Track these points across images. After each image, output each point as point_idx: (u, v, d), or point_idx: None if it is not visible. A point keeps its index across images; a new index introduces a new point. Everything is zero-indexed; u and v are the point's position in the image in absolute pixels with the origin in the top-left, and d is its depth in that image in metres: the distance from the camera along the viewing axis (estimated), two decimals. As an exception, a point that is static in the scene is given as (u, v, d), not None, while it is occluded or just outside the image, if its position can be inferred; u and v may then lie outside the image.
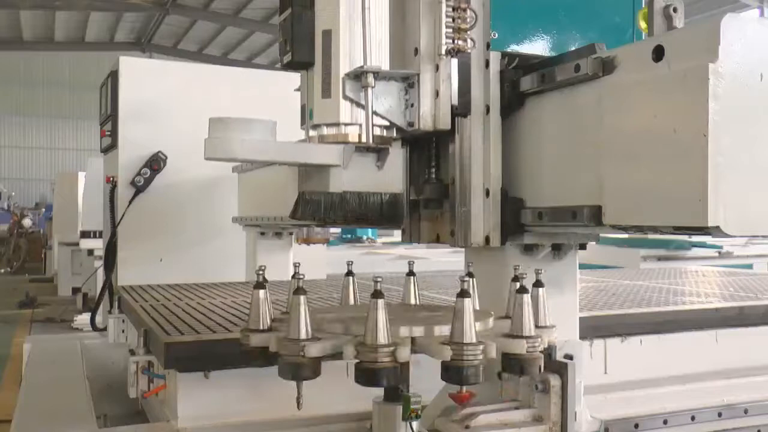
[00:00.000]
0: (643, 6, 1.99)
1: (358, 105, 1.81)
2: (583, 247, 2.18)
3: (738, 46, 1.44)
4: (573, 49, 1.99)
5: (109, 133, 5.08)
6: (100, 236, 6.80)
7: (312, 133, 1.87)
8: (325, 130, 1.85)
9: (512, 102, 1.98)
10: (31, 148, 34.09)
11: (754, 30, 1.46)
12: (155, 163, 4.95)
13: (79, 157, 31.85)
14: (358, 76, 1.80)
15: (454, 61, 1.91)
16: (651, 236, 8.32)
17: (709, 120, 1.41)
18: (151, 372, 2.72)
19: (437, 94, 1.90)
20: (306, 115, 1.90)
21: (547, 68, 1.88)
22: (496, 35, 1.95)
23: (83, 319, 9.33)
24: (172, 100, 5.06)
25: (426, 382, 1.96)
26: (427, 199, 2.09)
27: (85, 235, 10.50)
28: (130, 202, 4.91)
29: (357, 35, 1.79)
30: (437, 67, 1.89)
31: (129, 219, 4.90)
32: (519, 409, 2.01)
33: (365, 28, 1.77)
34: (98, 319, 4.87)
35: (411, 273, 2.19)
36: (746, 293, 3.72)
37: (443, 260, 7.79)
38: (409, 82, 1.88)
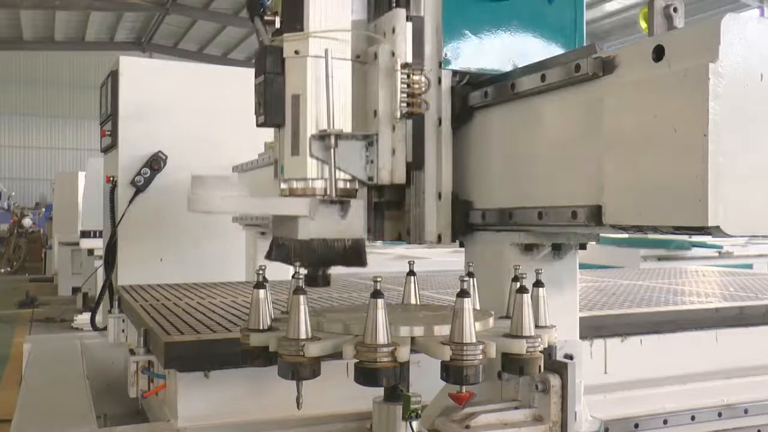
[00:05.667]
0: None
1: (324, 162, 2.00)
2: (583, 247, 2.18)
3: (738, 46, 1.44)
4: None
5: (109, 132, 5.09)
6: (100, 236, 6.80)
7: (283, 185, 2.07)
8: (294, 184, 2.03)
9: (462, 115, 2.19)
10: (31, 147, 34.11)
11: (754, 30, 1.46)
12: (155, 163, 4.95)
13: (79, 157, 31.88)
14: (323, 137, 1.99)
15: (409, 122, 2.14)
16: (651, 236, 8.32)
17: (709, 120, 1.41)
18: (151, 372, 2.72)
19: (394, 152, 2.10)
20: (278, 169, 2.11)
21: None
22: (448, 54, 2.17)
23: (83, 318, 9.35)
24: (172, 100, 5.06)
25: (426, 382, 1.97)
26: (388, 201, 2.29)
27: (85, 234, 10.52)
28: (130, 202, 4.91)
29: (322, 99, 1.99)
30: (394, 128, 2.09)
31: (129, 219, 4.90)
32: (519, 409, 2.01)
33: (329, 93, 1.96)
34: (98, 318, 4.88)
35: (411, 273, 2.21)
36: (746, 293, 3.72)
37: (443, 260, 7.78)
38: (369, 141, 2.08)
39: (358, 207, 2.06)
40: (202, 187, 1.94)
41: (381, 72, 2.07)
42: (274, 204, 2.10)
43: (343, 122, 2.03)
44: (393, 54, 2.08)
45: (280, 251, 2.07)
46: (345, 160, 2.02)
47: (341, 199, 2.02)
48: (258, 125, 2.09)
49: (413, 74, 2.07)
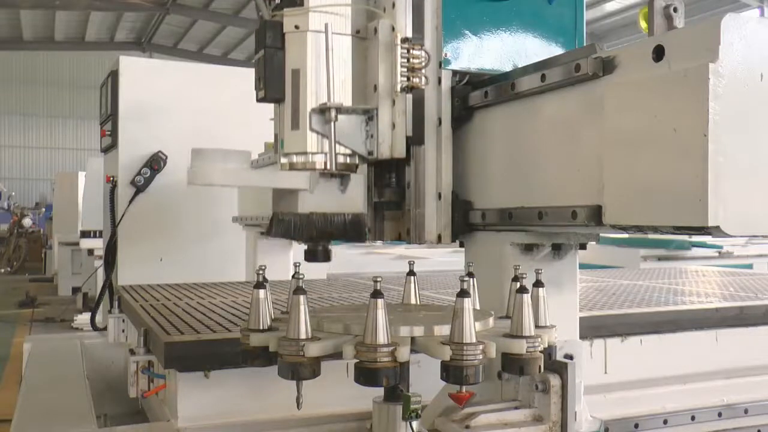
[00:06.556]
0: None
1: (324, 136, 2.00)
2: (583, 247, 2.18)
3: (738, 46, 1.44)
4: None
5: (109, 132, 5.09)
6: (100, 236, 6.80)
7: (283, 160, 2.06)
8: (294, 158, 2.03)
9: (462, 115, 2.20)
10: (31, 147, 34.09)
11: (754, 30, 1.46)
12: (155, 163, 4.95)
13: (79, 157, 31.88)
14: (322, 111, 1.99)
15: (409, 96, 2.13)
16: (651, 236, 8.32)
17: (709, 120, 1.41)
18: (151, 372, 2.72)
19: (394, 126, 2.11)
20: (277, 144, 2.10)
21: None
22: (448, 54, 2.18)
23: (83, 318, 9.34)
24: (172, 100, 5.06)
25: (426, 382, 1.97)
26: (388, 201, 2.30)
27: (85, 234, 10.51)
28: (130, 202, 4.91)
29: (322, 74, 1.99)
30: (394, 102, 2.11)
31: (129, 219, 4.90)
32: (519, 409, 2.01)
33: (329, 67, 1.97)
34: (98, 318, 4.87)
35: (411, 273, 2.21)
36: (746, 293, 3.72)
37: (443, 260, 7.79)
38: (369, 116, 2.09)
39: (358, 180, 2.08)
40: (201, 160, 1.93)
41: (381, 46, 2.09)
42: (274, 177, 2.11)
43: (343, 97, 2.03)
44: (393, 29, 2.10)
45: (280, 226, 2.07)
46: (345, 135, 2.02)
47: (341, 173, 2.03)
48: (258, 100, 2.10)
49: (413, 48, 2.09)
